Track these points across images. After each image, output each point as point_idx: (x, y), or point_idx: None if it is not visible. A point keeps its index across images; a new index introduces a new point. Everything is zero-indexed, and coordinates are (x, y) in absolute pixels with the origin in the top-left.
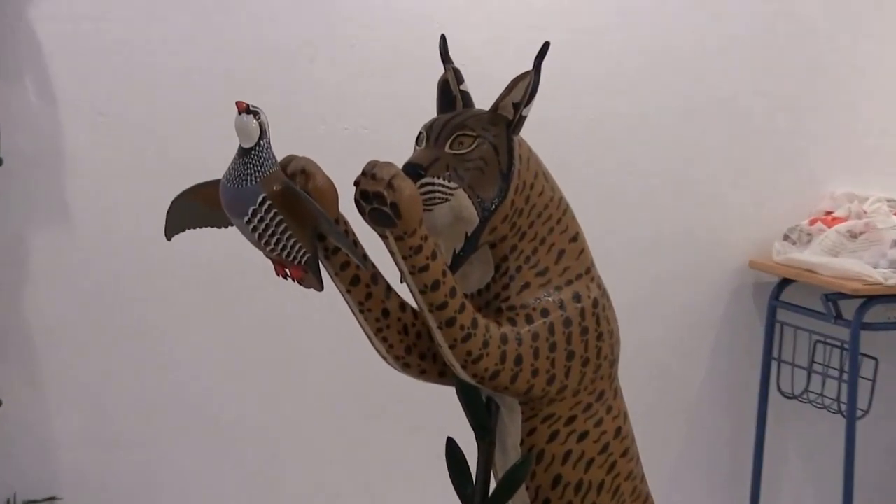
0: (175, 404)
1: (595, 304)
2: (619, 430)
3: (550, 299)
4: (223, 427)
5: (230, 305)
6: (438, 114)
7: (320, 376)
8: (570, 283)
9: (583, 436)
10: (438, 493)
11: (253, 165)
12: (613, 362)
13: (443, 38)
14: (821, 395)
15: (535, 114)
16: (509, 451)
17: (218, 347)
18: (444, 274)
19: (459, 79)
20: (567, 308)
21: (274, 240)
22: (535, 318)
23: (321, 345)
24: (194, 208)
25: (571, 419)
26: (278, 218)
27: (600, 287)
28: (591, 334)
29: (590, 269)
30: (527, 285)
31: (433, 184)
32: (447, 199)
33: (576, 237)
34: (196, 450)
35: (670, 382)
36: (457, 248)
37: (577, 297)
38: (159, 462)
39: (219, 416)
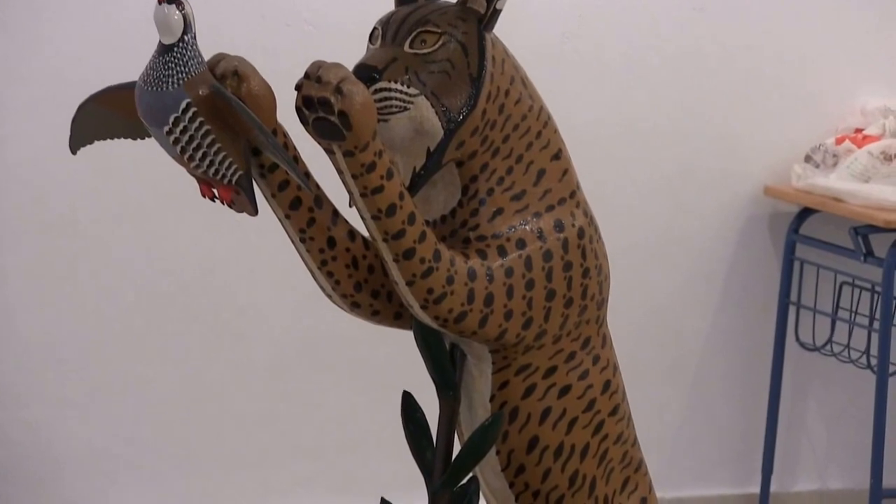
0: (101, 365)
1: (580, 234)
2: (607, 383)
3: (528, 228)
4: (153, 392)
5: (149, 243)
6: (397, 6)
7: (255, 324)
8: (551, 208)
9: (564, 390)
10: (393, 458)
11: (175, 65)
12: (601, 304)
13: None
14: (847, 346)
15: (524, 40)
16: (477, 409)
17: (135, 298)
18: (401, 197)
19: None
20: (547, 238)
21: (199, 154)
22: (510, 249)
23: (253, 286)
24: (105, 117)
25: (551, 371)
26: (205, 128)
27: (587, 214)
28: (576, 270)
29: (574, 193)
30: (500, 211)
31: (390, 89)
32: (406, 108)
33: (558, 154)
34: (125, 416)
35: (670, 332)
36: (417, 166)
37: (559, 226)
38: (84, 429)
39: (146, 376)
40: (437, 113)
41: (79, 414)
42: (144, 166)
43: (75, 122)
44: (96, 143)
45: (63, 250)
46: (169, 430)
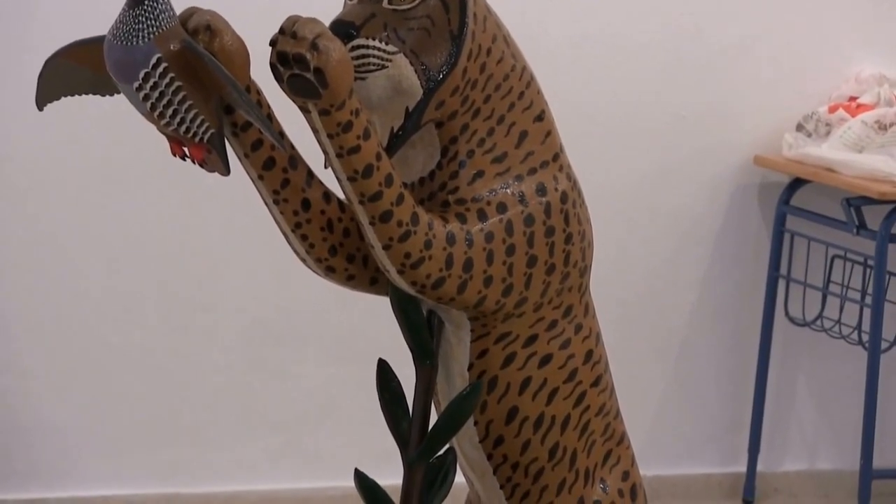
0: (69, 336)
1: (563, 198)
2: (589, 353)
3: (509, 191)
4: (120, 364)
5: (117, 212)
6: None
7: (225, 294)
8: (533, 172)
9: (545, 360)
10: (367, 428)
11: (145, 19)
12: (584, 271)
13: None
14: (838, 321)
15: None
16: (455, 378)
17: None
18: (378, 157)
19: None
20: (529, 203)
21: (170, 111)
22: (490, 214)
23: (223, 256)
24: (73, 72)
25: (532, 339)
26: (176, 84)
27: (570, 178)
28: (558, 236)
29: (558, 156)
30: (480, 174)
31: (367, 46)
32: (384, 66)
33: (541, 116)
34: (92, 388)
35: (654, 305)
36: (395, 126)
37: (541, 190)
38: (50, 400)
39: (111, 342)
40: (416, 71)
41: (45, 385)
42: (113, 131)
43: (42, 77)
44: (63, 100)
45: (28, 220)
46: (136, 402)
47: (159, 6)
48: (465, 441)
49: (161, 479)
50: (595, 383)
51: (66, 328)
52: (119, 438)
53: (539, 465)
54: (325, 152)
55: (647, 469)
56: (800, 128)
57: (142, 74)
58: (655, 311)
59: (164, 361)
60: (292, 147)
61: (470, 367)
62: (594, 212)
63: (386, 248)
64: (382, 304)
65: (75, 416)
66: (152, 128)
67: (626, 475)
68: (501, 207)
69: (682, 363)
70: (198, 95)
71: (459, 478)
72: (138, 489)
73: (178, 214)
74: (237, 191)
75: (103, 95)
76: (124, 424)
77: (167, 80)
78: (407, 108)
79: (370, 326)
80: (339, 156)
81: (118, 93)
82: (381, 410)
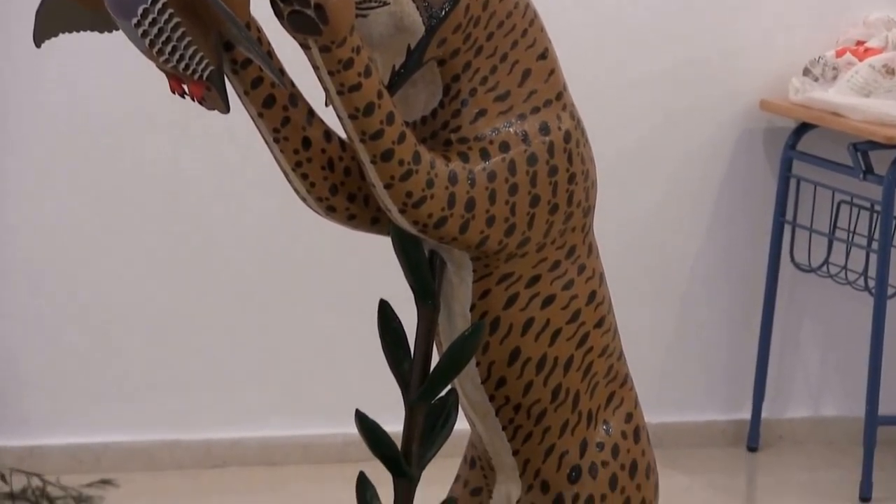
0: (64, 281)
1: (567, 137)
2: (592, 294)
3: (512, 130)
4: (115, 311)
5: (115, 156)
6: None
7: (224, 237)
8: (536, 110)
9: (548, 300)
10: (369, 369)
11: None
12: (588, 211)
13: None
14: (844, 267)
15: None
16: (457, 319)
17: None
18: (379, 95)
19: None
20: (532, 142)
21: (169, 48)
22: (493, 153)
23: (222, 200)
24: (71, 9)
25: (534, 280)
26: (175, 20)
27: (573, 117)
28: (561, 175)
29: (561, 95)
30: (483, 112)
31: None
32: (385, 3)
33: (545, 54)
34: (88, 335)
35: (658, 250)
36: (397, 64)
37: (544, 129)
38: (45, 345)
39: (111, 289)
40: (417, 8)
41: (43, 332)
42: (115, 72)
43: (39, 13)
44: (62, 36)
45: (27, 165)
46: (137, 349)
47: None
48: (467, 382)
49: (162, 426)
50: (598, 324)
51: (62, 274)
52: (119, 385)
53: (541, 407)
54: (325, 90)
55: (651, 416)
56: (807, 72)
57: (140, 10)
58: (660, 256)
59: (164, 309)
60: (293, 85)
61: (472, 308)
62: (599, 156)
63: (387, 187)
64: (385, 242)
65: (74, 362)
66: (153, 67)
67: (629, 417)
68: (504, 146)
69: (687, 309)
70: (197, 32)
71: (461, 422)
72: (139, 436)
73: (179, 158)
74: (239, 132)
75: (101, 32)
76: (124, 371)
77: (166, 16)
78: (408, 46)
79: (372, 272)
80: (339, 93)
81: (117, 29)
82: (382, 355)
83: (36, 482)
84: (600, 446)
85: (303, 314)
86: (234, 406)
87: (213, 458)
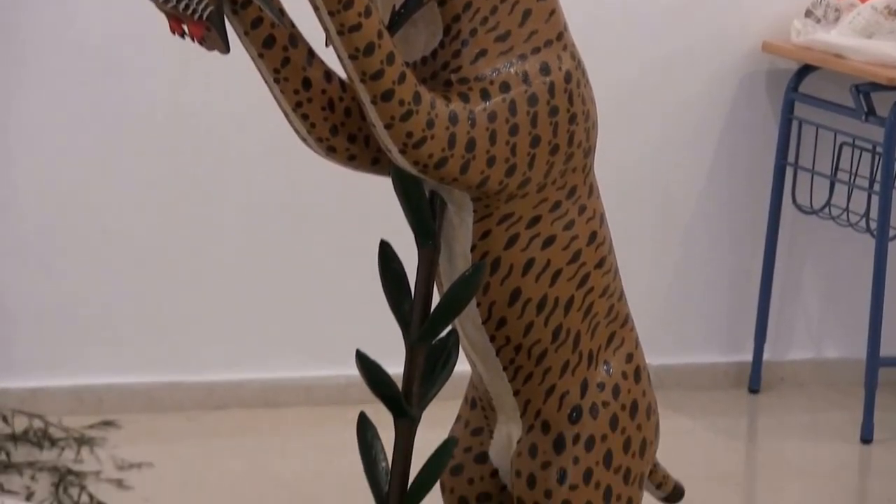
0: (62, 217)
1: (567, 77)
2: (593, 234)
3: (512, 71)
4: (116, 248)
5: (122, 90)
6: None
7: (227, 178)
8: (536, 51)
9: (549, 241)
10: (369, 309)
11: None
12: (588, 152)
13: None
14: (846, 209)
15: None
16: (457, 259)
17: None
18: (379, 35)
19: None
20: (533, 82)
21: None
22: (493, 93)
23: (226, 139)
24: None
25: (535, 220)
26: None
27: (574, 57)
28: (562, 115)
29: (562, 35)
30: (483, 52)
31: None
32: None
33: None
34: (86, 273)
35: (659, 191)
36: (397, 4)
37: (545, 69)
38: (42, 284)
39: (112, 228)
40: None
41: (45, 273)
42: (116, 8)
43: None
44: None
45: (28, 98)
46: (139, 290)
47: None
48: (468, 323)
49: (164, 368)
50: (599, 265)
51: (60, 210)
52: (121, 327)
53: (542, 347)
54: (325, 30)
55: (652, 358)
56: (809, 13)
57: None
58: (662, 198)
59: (166, 250)
60: (292, 25)
61: (473, 249)
62: (599, 97)
63: (388, 127)
64: (385, 183)
65: (76, 304)
66: (153, 8)
67: (629, 357)
68: (504, 87)
69: (689, 251)
70: None
71: (461, 364)
72: (141, 377)
73: (180, 98)
74: (240, 74)
75: None
76: (126, 312)
77: None
78: None
79: (373, 213)
80: (339, 33)
81: None
82: (384, 296)
83: (38, 424)
84: (601, 386)
85: (305, 256)
86: (236, 348)
87: (214, 400)
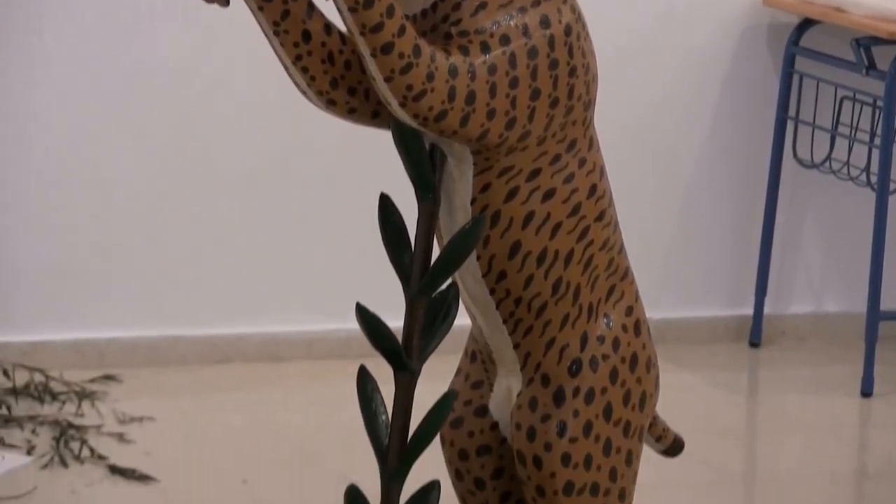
0: (65, 172)
1: (567, 30)
2: (593, 188)
3: (512, 23)
4: (118, 203)
5: (121, 48)
6: None
7: (227, 132)
8: (537, 3)
9: (549, 194)
10: (370, 263)
11: None
12: (588, 105)
13: None
14: (846, 163)
15: None
16: (457, 212)
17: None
18: None
19: None
20: (533, 35)
21: None
22: (493, 46)
23: (225, 93)
24: None
25: (535, 173)
26: None
27: (574, 10)
28: (562, 68)
29: None
30: (483, 5)
31: None
32: None
33: None
34: (89, 229)
35: (659, 146)
36: None
37: (545, 22)
38: (46, 240)
39: (113, 182)
40: None
41: (46, 226)
42: None
43: None
44: None
45: (27, 53)
46: (140, 244)
47: None
48: (468, 276)
49: (165, 322)
50: (599, 217)
51: (64, 165)
52: (123, 280)
53: (542, 300)
54: None
55: (653, 312)
56: None
57: None
58: (663, 153)
59: (168, 204)
60: None
61: (473, 202)
62: (600, 50)
63: (387, 80)
64: (385, 136)
65: (78, 258)
66: None
67: (629, 310)
68: (504, 40)
69: (690, 205)
70: None
71: (461, 317)
72: (143, 331)
73: (179, 52)
74: (240, 27)
75: None
76: (128, 266)
77: None
78: None
79: (373, 166)
80: None
81: None
82: (384, 249)
83: (39, 378)
84: (601, 339)
85: (305, 210)
86: (238, 301)
87: (216, 354)
